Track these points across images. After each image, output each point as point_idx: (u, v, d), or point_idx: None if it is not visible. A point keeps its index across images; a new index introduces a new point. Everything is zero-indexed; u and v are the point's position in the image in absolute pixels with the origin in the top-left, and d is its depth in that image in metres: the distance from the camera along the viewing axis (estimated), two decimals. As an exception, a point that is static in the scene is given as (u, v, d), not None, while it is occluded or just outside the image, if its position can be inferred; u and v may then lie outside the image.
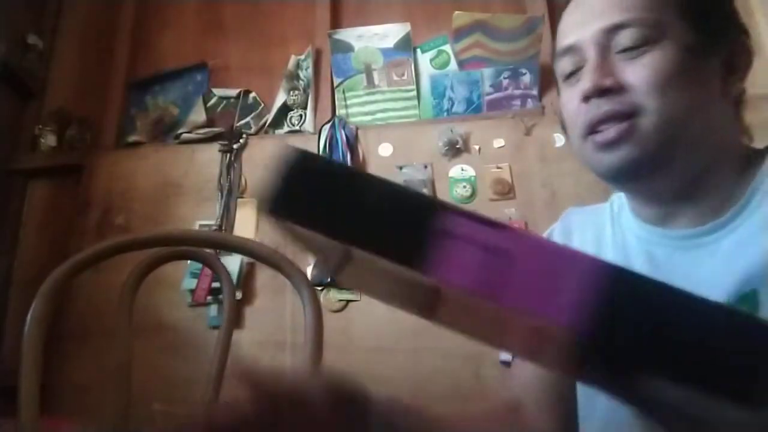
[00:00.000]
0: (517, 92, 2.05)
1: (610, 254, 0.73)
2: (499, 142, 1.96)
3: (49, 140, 2.14)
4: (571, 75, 0.67)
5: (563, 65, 0.68)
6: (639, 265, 0.68)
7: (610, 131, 0.61)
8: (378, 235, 0.28)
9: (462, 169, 1.94)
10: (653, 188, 0.66)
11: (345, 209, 0.30)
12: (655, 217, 0.68)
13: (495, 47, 2.10)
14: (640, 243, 0.69)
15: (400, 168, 1.95)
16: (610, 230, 0.75)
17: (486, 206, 1.89)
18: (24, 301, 0.88)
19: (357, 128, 2.03)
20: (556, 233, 0.81)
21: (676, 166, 0.62)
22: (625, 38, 0.62)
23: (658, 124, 0.60)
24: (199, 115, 2.18)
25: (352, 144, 1.99)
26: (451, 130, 1.96)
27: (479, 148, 1.96)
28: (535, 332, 0.30)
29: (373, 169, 1.99)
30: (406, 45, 2.16)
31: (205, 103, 2.21)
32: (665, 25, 0.62)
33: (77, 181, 2.08)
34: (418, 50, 2.17)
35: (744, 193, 0.62)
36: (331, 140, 1.99)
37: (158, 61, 2.33)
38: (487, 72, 2.09)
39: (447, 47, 2.16)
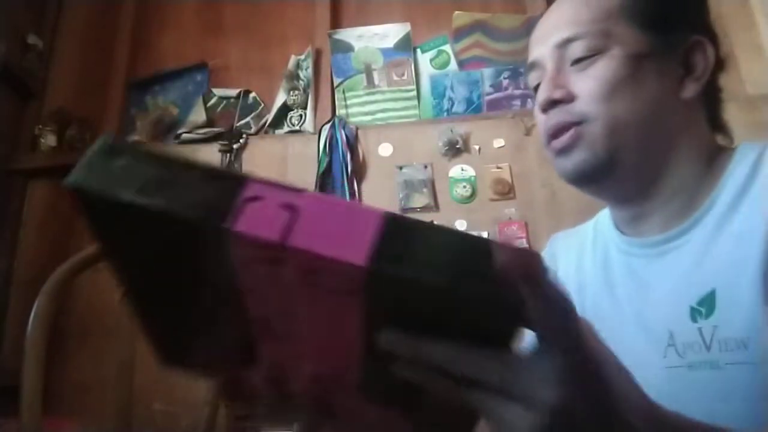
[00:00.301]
0: (517, 92, 2.06)
1: (589, 273, 0.75)
2: (499, 142, 1.97)
3: (49, 140, 2.13)
4: (536, 88, 0.70)
5: (531, 80, 0.72)
6: (620, 277, 0.70)
7: (562, 138, 0.65)
8: (187, 202, 0.30)
9: (462, 169, 1.95)
10: (615, 190, 0.68)
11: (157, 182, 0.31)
12: (630, 221, 0.70)
13: (495, 47, 2.11)
14: (621, 255, 0.71)
15: (400, 168, 1.96)
16: (591, 248, 0.77)
17: (486, 206, 1.90)
18: (24, 301, 0.88)
19: (357, 128, 2.03)
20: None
21: (631, 167, 0.65)
22: (575, 50, 0.66)
23: (604, 129, 0.63)
24: (199, 115, 2.18)
25: (352, 144, 1.99)
26: (451, 130, 1.96)
27: (479, 148, 1.96)
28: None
29: (374, 169, 1.99)
30: (406, 45, 2.16)
31: (205, 103, 2.21)
32: (612, 34, 0.65)
33: (77, 181, 2.08)
34: (418, 50, 2.17)
35: (710, 194, 0.63)
36: (331, 140, 1.99)
37: (158, 61, 2.33)
38: (487, 72, 2.09)
39: (447, 47, 2.16)
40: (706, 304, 0.58)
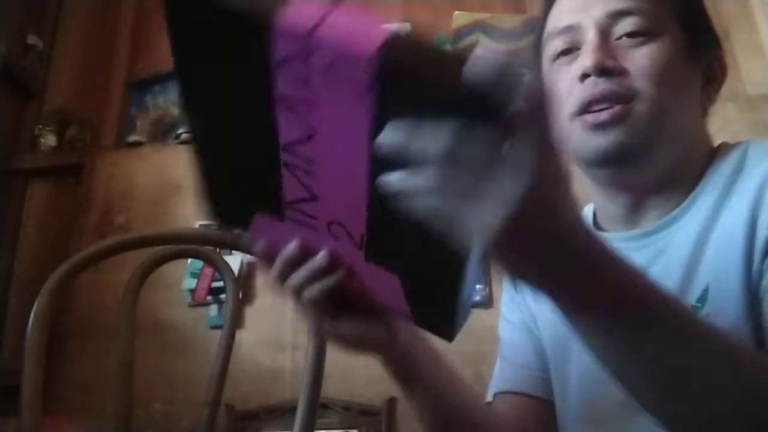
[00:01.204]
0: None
1: None
2: (499, 142, 1.96)
3: (49, 140, 2.13)
4: (564, 54, 0.66)
5: (556, 44, 0.67)
6: None
7: (602, 113, 0.61)
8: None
9: (462, 169, 1.94)
10: (631, 177, 0.66)
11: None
12: (623, 212, 0.68)
13: (495, 47, 2.11)
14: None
15: (401, 168, 1.95)
16: None
17: (486, 206, 1.89)
18: (24, 301, 0.88)
19: (357, 128, 2.03)
20: None
21: (657, 156, 0.63)
22: (627, 25, 0.63)
23: (652, 112, 0.61)
24: (199, 115, 2.18)
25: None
26: (451, 130, 1.96)
27: (479, 148, 1.96)
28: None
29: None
30: (406, 45, 2.16)
31: (205, 103, 2.21)
32: (664, 20, 0.64)
33: (77, 181, 2.08)
34: (418, 50, 2.17)
35: (695, 188, 0.64)
36: (332, 140, 1.99)
37: (158, 61, 2.33)
38: (487, 72, 2.09)
39: (447, 47, 2.16)
40: (702, 300, 0.58)
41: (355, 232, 0.43)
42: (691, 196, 0.63)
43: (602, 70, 0.61)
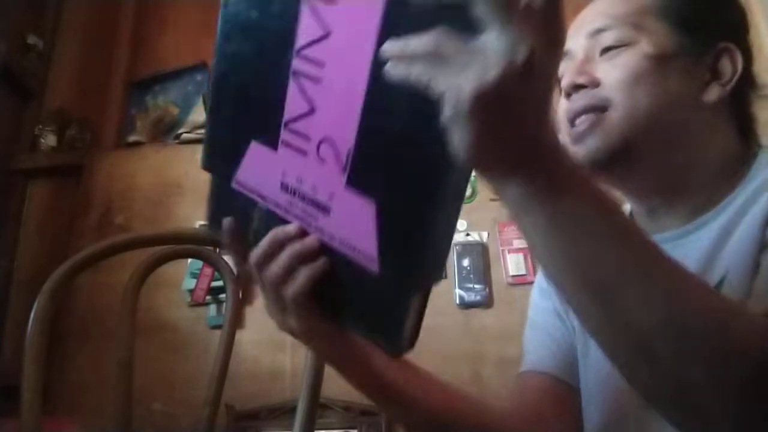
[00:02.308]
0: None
1: None
2: (499, 142, 1.97)
3: (49, 140, 2.14)
4: (562, 78, 0.71)
5: (560, 70, 0.71)
6: None
7: (580, 123, 0.66)
8: None
9: (462, 169, 1.95)
10: (632, 182, 0.68)
11: None
12: (646, 215, 0.70)
13: None
14: None
15: (400, 168, 1.96)
16: None
17: (486, 206, 1.89)
18: (24, 301, 0.88)
19: (357, 128, 2.03)
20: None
21: (649, 163, 0.65)
22: (605, 39, 0.67)
23: (623, 118, 0.63)
24: (199, 115, 2.18)
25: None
26: (451, 130, 1.96)
27: (479, 148, 1.96)
28: None
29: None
30: (406, 45, 2.16)
31: (205, 103, 2.21)
32: (644, 28, 0.66)
33: (77, 181, 2.08)
34: (418, 50, 2.17)
35: (724, 198, 0.64)
36: (331, 140, 1.99)
37: (158, 61, 2.34)
38: (487, 72, 2.09)
39: (447, 47, 2.16)
40: (723, 286, 0.58)
41: (342, 148, 0.45)
42: (722, 203, 0.63)
43: (575, 87, 0.66)
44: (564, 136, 0.69)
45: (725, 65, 0.67)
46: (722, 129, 0.68)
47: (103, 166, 2.10)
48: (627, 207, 0.77)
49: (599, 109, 0.65)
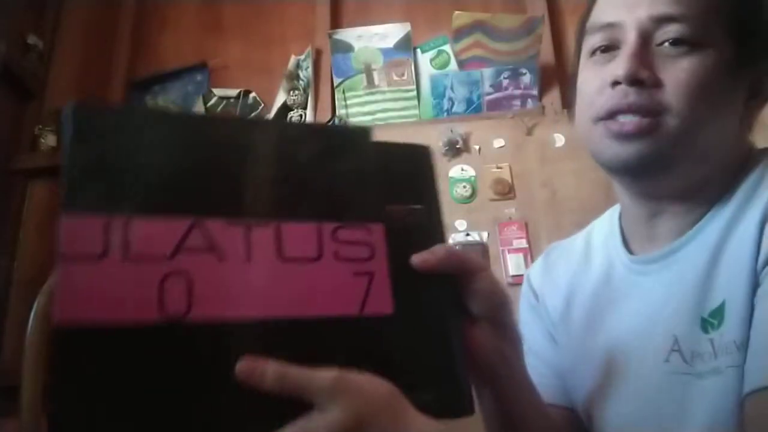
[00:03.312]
0: (517, 92, 2.06)
1: (587, 288, 0.72)
2: (499, 142, 1.97)
3: (49, 140, 2.13)
4: (600, 52, 0.63)
5: (594, 40, 0.64)
6: (625, 293, 0.68)
7: (628, 123, 0.59)
8: None
9: (462, 169, 1.95)
10: (650, 187, 0.64)
11: None
12: (644, 214, 0.67)
13: (495, 47, 2.11)
14: (627, 272, 0.69)
15: (400, 168, 1.95)
16: (585, 262, 0.75)
17: (486, 206, 1.89)
18: (24, 301, 0.88)
19: (357, 128, 2.03)
20: (536, 270, 0.81)
21: (681, 171, 0.61)
22: (671, 31, 0.59)
23: (680, 128, 0.58)
24: (199, 115, 2.18)
25: (352, 144, 1.99)
26: (451, 130, 1.96)
27: (479, 148, 1.96)
28: None
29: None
30: (406, 45, 2.16)
31: (205, 103, 2.21)
32: (711, 31, 0.60)
33: (77, 181, 2.08)
34: (418, 50, 2.17)
35: (723, 201, 0.61)
36: (331, 140, 1.99)
37: (158, 61, 2.34)
38: (487, 72, 2.09)
39: (447, 47, 2.16)
40: (718, 316, 0.56)
41: None
42: (710, 213, 0.61)
43: (635, 81, 0.58)
44: (587, 123, 0.63)
45: (765, 84, 0.64)
46: (744, 141, 0.65)
47: (103, 166, 2.10)
48: (606, 225, 0.74)
49: (655, 113, 0.58)
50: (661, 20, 0.59)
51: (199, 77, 2.28)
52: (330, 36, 2.18)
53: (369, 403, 0.41)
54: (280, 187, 0.46)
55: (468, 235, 1.86)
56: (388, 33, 2.18)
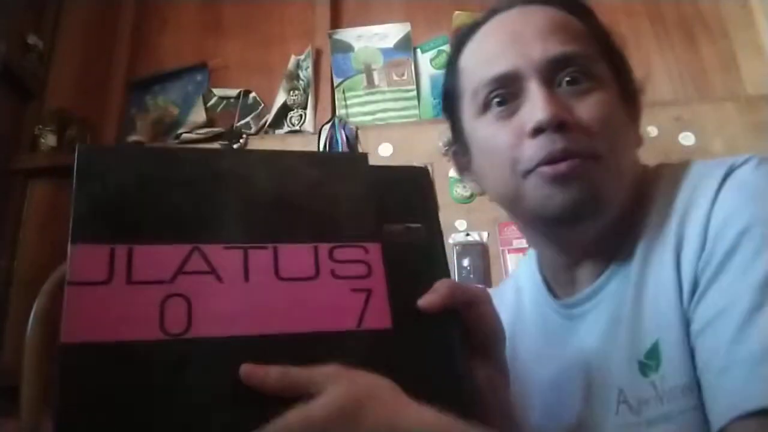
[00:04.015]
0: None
1: (526, 339, 0.70)
2: (499, 142, 1.96)
3: (49, 140, 2.13)
4: (497, 105, 0.61)
5: (485, 94, 0.62)
6: (560, 340, 0.67)
7: (561, 164, 0.57)
8: None
9: (462, 169, 1.94)
10: (580, 232, 0.62)
11: None
12: (563, 269, 0.66)
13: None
14: (558, 317, 0.68)
15: (400, 168, 1.95)
16: (518, 311, 0.74)
17: (486, 206, 1.89)
18: (24, 301, 0.88)
19: (357, 128, 2.03)
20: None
21: (609, 213, 0.60)
22: (570, 71, 0.59)
23: (609, 169, 0.58)
24: (199, 115, 2.18)
25: (352, 144, 1.99)
26: (451, 130, 1.96)
27: (479, 148, 1.96)
28: None
29: (373, 169, 1.99)
30: (406, 45, 2.16)
31: (205, 103, 2.21)
32: (602, 68, 0.61)
33: (77, 181, 2.08)
34: (418, 50, 2.17)
35: (632, 232, 0.60)
36: (331, 140, 1.99)
37: (158, 61, 2.33)
38: (487, 72, 2.09)
39: (447, 47, 2.16)
40: (654, 358, 0.55)
41: None
42: (625, 247, 0.60)
43: (559, 125, 0.57)
44: (512, 179, 0.60)
45: (638, 112, 0.65)
46: (638, 170, 0.65)
47: (103, 166, 2.10)
48: (527, 273, 0.73)
49: (584, 155, 0.57)
50: (557, 61, 0.59)
51: (199, 77, 2.28)
52: (330, 36, 2.18)
53: (367, 387, 0.41)
54: (276, 214, 0.49)
55: (468, 235, 1.86)
56: (388, 33, 2.18)
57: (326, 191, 0.51)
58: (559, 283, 0.69)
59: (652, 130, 1.81)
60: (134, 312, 0.42)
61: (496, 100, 0.61)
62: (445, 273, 0.52)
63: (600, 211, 0.59)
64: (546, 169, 0.57)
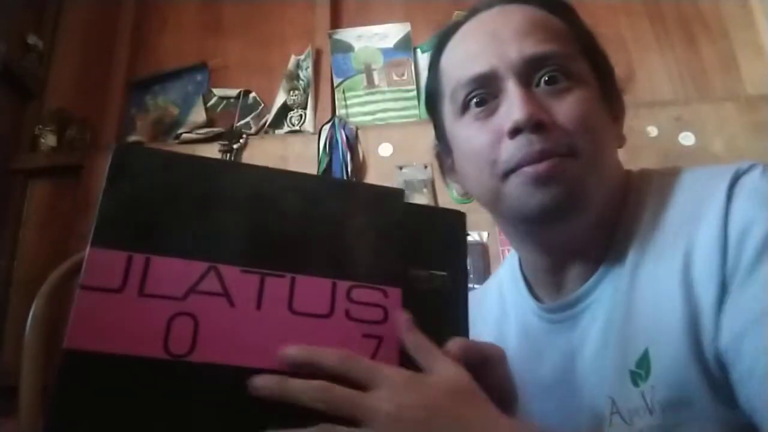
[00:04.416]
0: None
1: (511, 345, 0.69)
2: (499, 142, 1.96)
3: (49, 140, 2.13)
4: (476, 105, 0.61)
5: (464, 94, 0.61)
6: (546, 347, 0.66)
7: (540, 165, 0.57)
8: None
9: (462, 169, 1.94)
10: (561, 233, 0.62)
11: None
12: (547, 271, 0.66)
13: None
14: (542, 322, 0.67)
15: (400, 168, 1.95)
16: (502, 316, 0.73)
17: (486, 206, 1.90)
18: (24, 302, 0.88)
19: (357, 128, 2.03)
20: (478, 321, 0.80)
21: (592, 211, 0.60)
22: (547, 71, 0.58)
23: (587, 166, 0.58)
24: (199, 115, 2.18)
25: (352, 144, 1.99)
26: (451, 130, 1.96)
27: (479, 148, 1.96)
28: None
29: (374, 169, 1.99)
30: (406, 45, 2.16)
31: (205, 103, 2.21)
32: (580, 66, 0.60)
33: (77, 181, 2.08)
34: (418, 50, 2.17)
35: (621, 233, 0.60)
36: (331, 140, 1.99)
37: (158, 61, 2.33)
38: (487, 72, 2.09)
39: (447, 47, 2.16)
40: (644, 366, 0.54)
41: None
42: (613, 253, 0.60)
43: (537, 125, 0.56)
44: (491, 181, 0.60)
45: (620, 108, 0.65)
46: (620, 169, 0.65)
47: (103, 166, 2.08)
48: (509, 277, 0.72)
49: (563, 153, 0.57)
50: (534, 61, 0.58)
51: (199, 77, 2.28)
52: (330, 36, 2.18)
53: (441, 396, 0.42)
54: (300, 242, 0.47)
55: (468, 235, 1.86)
56: (388, 33, 2.17)
57: (356, 225, 0.49)
58: (541, 285, 0.68)
59: (652, 130, 1.81)
60: (141, 326, 0.42)
61: (475, 100, 0.61)
62: (463, 327, 0.50)
63: (580, 208, 0.59)
64: (527, 170, 0.57)
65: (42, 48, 2.22)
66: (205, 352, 0.42)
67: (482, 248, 1.84)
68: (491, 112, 0.60)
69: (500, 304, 0.74)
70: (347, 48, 2.17)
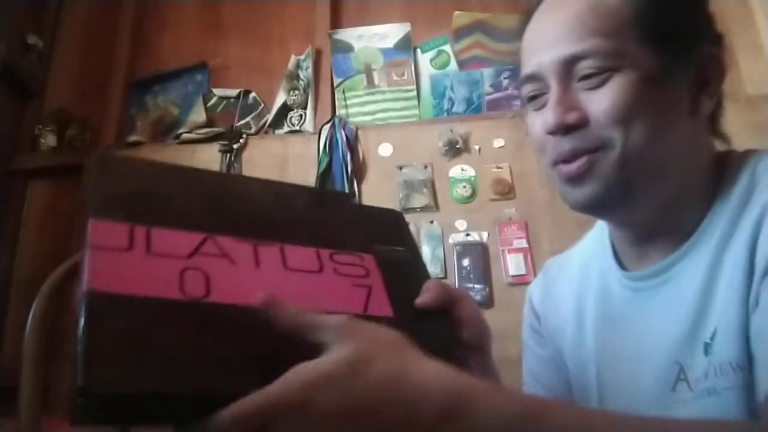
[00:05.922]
0: (517, 92, 2.06)
1: (590, 306, 0.72)
2: (499, 142, 1.96)
3: (49, 140, 2.14)
4: (535, 99, 0.65)
5: (526, 90, 0.66)
6: (623, 312, 0.67)
7: (571, 165, 0.61)
8: None
9: (462, 169, 1.95)
10: (626, 216, 0.65)
11: None
12: (630, 243, 0.67)
13: (495, 47, 2.11)
14: (623, 289, 0.68)
15: (400, 168, 1.95)
16: (582, 279, 0.75)
17: (486, 206, 1.89)
18: (24, 301, 0.88)
19: (357, 128, 2.03)
20: (537, 289, 0.81)
21: (648, 196, 0.61)
22: (582, 68, 0.60)
23: (622, 157, 0.58)
24: (199, 115, 2.18)
25: (352, 144, 1.99)
26: (451, 130, 1.96)
27: (479, 148, 1.96)
28: None
29: (374, 169, 1.99)
30: (406, 45, 2.16)
31: (205, 103, 2.21)
32: (625, 52, 0.59)
33: (77, 181, 2.08)
34: (418, 50, 2.17)
35: (710, 210, 0.60)
36: (331, 140, 1.99)
37: (158, 61, 2.33)
38: (487, 72, 2.09)
39: (447, 47, 2.16)
40: (716, 336, 0.56)
41: None
42: (701, 227, 0.61)
43: (565, 129, 0.60)
44: (549, 173, 0.65)
45: (712, 72, 0.62)
46: (701, 136, 0.64)
47: (103, 166, 2.10)
48: (596, 241, 0.74)
49: (592, 150, 0.59)
50: (572, 61, 0.60)
51: (199, 77, 2.28)
52: (330, 36, 2.18)
53: (376, 342, 0.42)
54: (281, 224, 0.54)
55: (468, 235, 1.86)
56: (388, 33, 2.18)
57: (323, 213, 0.58)
58: (627, 256, 0.69)
59: (652, 130, 1.81)
60: (155, 275, 0.43)
61: (529, 95, 0.66)
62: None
63: (625, 199, 0.61)
64: (562, 168, 0.62)
65: (42, 48, 2.22)
66: (219, 296, 0.44)
67: (482, 248, 1.84)
68: (542, 105, 0.64)
69: (582, 269, 0.76)
70: (347, 48, 2.17)
